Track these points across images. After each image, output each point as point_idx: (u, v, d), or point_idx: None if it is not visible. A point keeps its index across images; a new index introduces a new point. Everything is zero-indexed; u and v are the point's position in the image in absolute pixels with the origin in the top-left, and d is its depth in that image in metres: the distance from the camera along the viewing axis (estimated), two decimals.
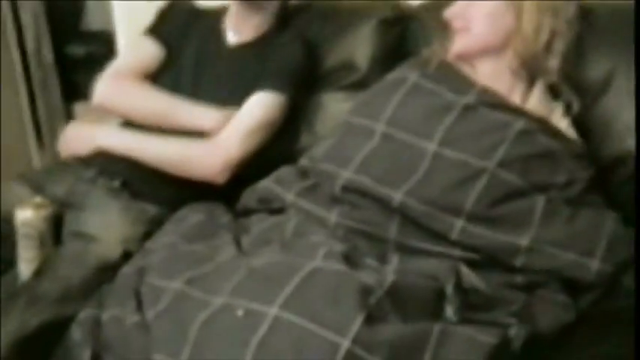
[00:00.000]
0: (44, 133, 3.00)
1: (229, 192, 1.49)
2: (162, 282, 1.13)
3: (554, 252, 1.13)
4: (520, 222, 1.14)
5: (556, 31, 1.29)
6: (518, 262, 1.13)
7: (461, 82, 1.30)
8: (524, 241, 1.13)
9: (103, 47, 3.21)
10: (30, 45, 2.92)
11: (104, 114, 1.76)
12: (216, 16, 1.73)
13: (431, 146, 1.22)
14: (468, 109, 1.25)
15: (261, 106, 1.54)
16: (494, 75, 1.32)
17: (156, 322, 1.06)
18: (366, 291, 0.99)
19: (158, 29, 1.73)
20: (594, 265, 1.11)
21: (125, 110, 1.64)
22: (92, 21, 3.40)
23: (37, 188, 1.48)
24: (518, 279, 1.12)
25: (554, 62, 1.31)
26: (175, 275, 1.13)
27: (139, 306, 1.14)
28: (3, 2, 2.79)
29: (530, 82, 1.33)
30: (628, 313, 1.08)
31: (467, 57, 1.34)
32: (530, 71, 1.33)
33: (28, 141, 2.97)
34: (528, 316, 1.07)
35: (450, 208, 1.15)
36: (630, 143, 1.27)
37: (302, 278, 1.01)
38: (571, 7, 1.32)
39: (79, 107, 3.18)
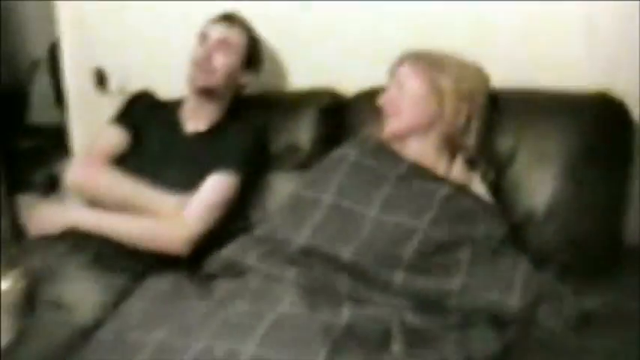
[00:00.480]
0: None
1: (191, 262, 1.63)
2: (143, 336, 1.26)
3: (480, 293, 1.31)
4: (450, 270, 1.33)
5: (472, 114, 1.54)
6: (451, 303, 1.31)
7: (394, 158, 1.52)
8: (454, 285, 1.32)
9: (49, 141, 3.33)
10: None
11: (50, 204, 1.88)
12: (174, 107, 1.90)
13: (372, 212, 1.41)
14: (400, 179, 1.46)
15: (216, 186, 1.70)
16: (421, 151, 1.54)
17: None
18: (327, 328, 1.16)
19: (123, 118, 1.89)
20: (513, 301, 1.30)
21: (95, 192, 1.76)
22: (37, 115, 3.51)
23: (12, 262, 1.58)
24: (452, 319, 1.30)
25: (471, 139, 1.55)
26: (155, 329, 1.26)
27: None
28: None
29: (452, 156, 1.56)
30: (544, 344, 1.28)
31: (398, 137, 1.56)
32: (451, 147, 1.56)
33: None
34: (463, 348, 1.24)
35: (391, 262, 1.34)
36: (535, 200, 1.50)
37: (272, 321, 1.17)
38: (483, 93, 1.57)
39: (21, 199, 3.24)
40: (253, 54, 1.88)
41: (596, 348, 1.25)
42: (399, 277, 1.33)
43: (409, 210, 1.40)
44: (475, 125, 1.55)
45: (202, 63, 1.79)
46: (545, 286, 1.35)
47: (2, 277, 1.46)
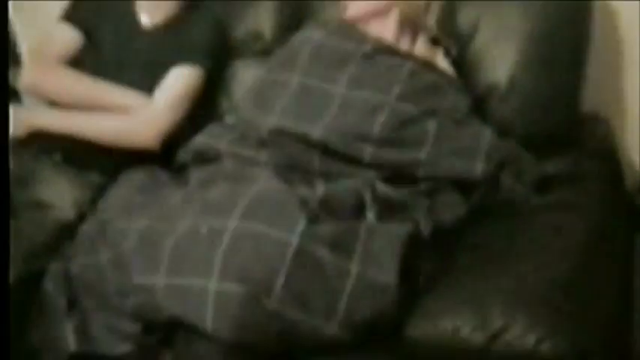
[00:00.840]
0: None
1: (163, 157, 1.65)
2: (126, 224, 1.30)
3: (447, 160, 1.37)
4: (418, 141, 1.38)
5: None
6: (421, 172, 1.36)
7: (357, 37, 1.53)
8: (422, 155, 1.37)
9: None
10: None
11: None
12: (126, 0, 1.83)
13: (339, 90, 1.44)
14: (365, 57, 1.48)
15: (181, 78, 1.68)
16: (383, 31, 1.56)
17: (129, 254, 1.23)
18: (304, 201, 1.22)
19: (73, 15, 1.81)
20: (479, 166, 1.36)
21: (53, 94, 1.73)
22: None
23: None
24: (421, 187, 1.36)
25: (432, 17, 1.57)
26: (137, 216, 1.30)
27: (108, 248, 1.30)
28: None
29: (414, 34, 1.58)
30: (508, 205, 1.37)
31: (359, 20, 1.56)
32: (413, 26, 1.58)
33: None
34: (432, 213, 1.31)
35: (360, 137, 1.38)
36: (497, 74, 1.53)
37: (251, 197, 1.22)
38: None
39: None
40: None
41: (554, 204, 1.33)
42: (368, 151, 1.37)
43: (376, 86, 1.43)
44: (435, 3, 1.56)
45: None
46: (508, 153, 1.41)
47: None
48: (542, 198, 1.37)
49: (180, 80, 1.69)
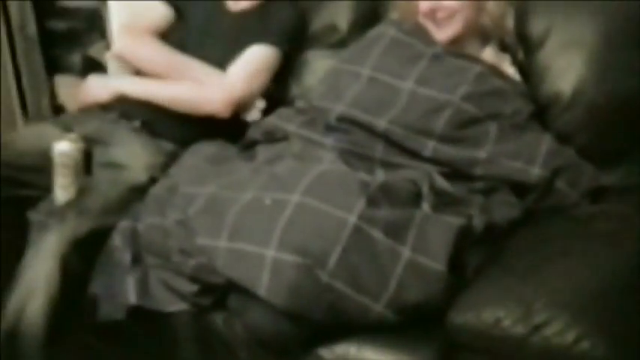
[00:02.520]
0: (28, 103, 3.16)
1: (233, 133, 1.74)
2: (194, 189, 1.39)
3: (505, 162, 1.41)
4: (478, 141, 1.43)
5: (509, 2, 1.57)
6: (478, 171, 1.41)
7: (430, 38, 1.58)
8: (482, 154, 1.42)
9: (83, 23, 3.38)
10: (15, 20, 3.07)
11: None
12: None
13: (407, 85, 1.50)
14: (435, 57, 1.54)
15: (258, 55, 1.78)
16: (456, 34, 1.60)
17: (195, 216, 1.32)
18: (364, 184, 1.28)
19: None
20: (535, 170, 1.40)
21: (142, 62, 1.84)
22: None
23: (66, 128, 1.70)
24: (478, 185, 1.41)
25: (503, 24, 1.61)
26: (205, 183, 1.38)
27: (175, 210, 1.39)
28: None
29: (483, 41, 1.63)
30: (562, 211, 1.40)
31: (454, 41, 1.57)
32: (484, 31, 1.62)
33: (14, 108, 3.12)
34: (486, 211, 1.36)
35: (423, 132, 1.44)
36: (562, 83, 1.57)
37: (315, 175, 1.29)
38: None
39: (59, 80, 3.34)
40: None
41: (608, 213, 1.36)
42: (429, 146, 1.43)
43: (443, 85, 1.49)
44: (505, 10, 1.59)
45: None
46: (566, 160, 1.45)
47: (60, 140, 1.57)
48: (596, 207, 1.40)
49: (256, 56, 1.78)
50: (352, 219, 1.21)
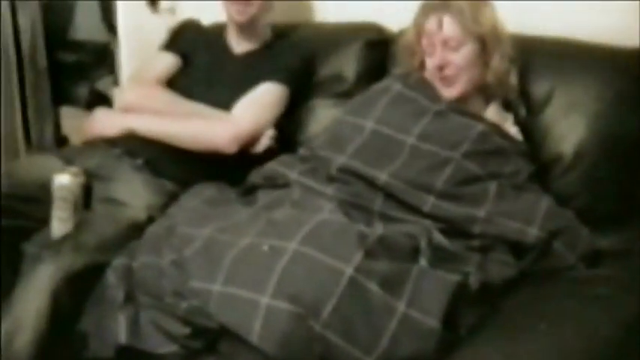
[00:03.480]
0: (32, 133, 3.18)
1: (235, 175, 1.74)
2: (192, 230, 1.39)
3: (503, 221, 1.41)
4: (478, 199, 1.44)
5: (506, 57, 1.58)
6: (476, 229, 1.41)
7: (434, 94, 1.60)
8: (481, 213, 1.42)
9: (92, 57, 3.43)
10: (25, 50, 3.11)
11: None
12: (219, 30, 2.00)
13: (410, 140, 1.51)
14: (439, 113, 1.56)
15: (265, 92, 1.80)
16: (460, 92, 1.62)
17: (191, 258, 1.31)
18: (362, 236, 1.28)
19: (173, 44, 1.99)
20: (533, 232, 1.40)
21: (148, 111, 1.84)
22: (81, 31, 3.58)
23: (68, 161, 1.71)
24: (475, 243, 1.41)
25: (511, 82, 1.62)
26: (203, 225, 1.38)
27: (172, 250, 1.38)
28: (3, 8, 2.98)
29: (488, 97, 1.65)
30: (558, 273, 1.40)
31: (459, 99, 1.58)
32: (487, 90, 1.64)
33: (18, 139, 3.14)
34: (482, 269, 1.35)
35: (424, 187, 1.44)
36: (564, 146, 1.58)
37: (314, 224, 1.29)
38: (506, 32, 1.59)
39: (65, 111, 3.37)
40: None
41: (603, 278, 1.36)
42: (429, 202, 1.43)
43: (445, 141, 1.50)
44: (509, 69, 1.60)
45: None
46: (564, 222, 1.45)
47: (61, 173, 1.58)
48: (593, 270, 1.40)
49: (263, 93, 1.81)
50: (349, 270, 1.21)
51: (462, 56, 1.54)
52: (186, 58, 1.96)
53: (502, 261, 1.39)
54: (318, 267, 1.21)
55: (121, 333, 1.38)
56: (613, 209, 1.57)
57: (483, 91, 1.63)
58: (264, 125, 1.78)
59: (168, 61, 1.95)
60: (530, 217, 1.42)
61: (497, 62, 1.57)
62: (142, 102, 1.87)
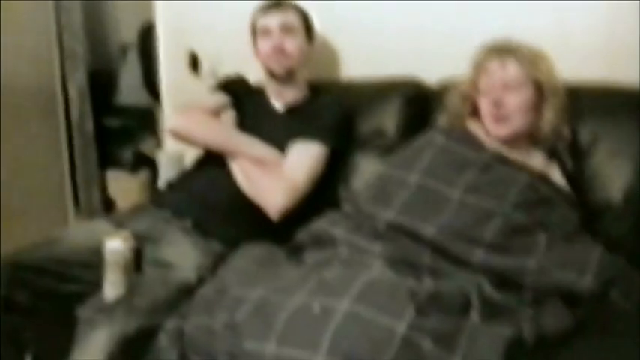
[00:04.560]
0: (81, 197, 3.26)
1: (279, 237, 1.75)
2: (243, 291, 1.40)
3: (556, 272, 1.40)
4: (528, 250, 1.42)
5: (560, 107, 1.60)
6: (527, 280, 1.40)
7: (478, 146, 1.61)
8: (532, 263, 1.41)
9: (136, 121, 3.54)
10: (74, 117, 3.22)
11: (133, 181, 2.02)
12: (260, 88, 2.03)
13: (456, 193, 1.52)
14: (484, 166, 1.56)
15: (309, 155, 1.83)
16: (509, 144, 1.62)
17: (243, 320, 1.32)
18: (413, 293, 1.28)
19: (222, 87, 2.03)
20: (587, 281, 1.38)
21: (199, 136, 1.90)
22: (125, 97, 3.71)
23: (118, 225, 1.75)
24: (527, 294, 1.39)
25: (563, 135, 1.63)
26: (254, 286, 1.39)
27: (223, 311, 1.39)
28: (55, 78, 3.10)
29: (534, 143, 1.64)
30: (617, 322, 1.36)
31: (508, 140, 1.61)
32: (533, 138, 1.63)
33: (66, 202, 3.22)
34: (536, 321, 1.33)
35: (472, 240, 1.44)
36: (612, 191, 1.57)
37: (364, 283, 1.29)
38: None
39: (110, 174, 3.46)
40: (309, 25, 2.00)
41: None
42: (478, 255, 1.43)
43: (491, 194, 1.50)
44: (563, 120, 1.62)
45: (277, 52, 1.92)
46: (619, 269, 1.42)
47: (112, 237, 1.62)
48: None
49: (310, 158, 1.83)
50: (401, 328, 1.20)
51: (519, 98, 1.57)
52: (235, 100, 1.99)
53: (556, 312, 1.37)
54: (371, 325, 1.21)
55: None
56: None
57: (531, 140, 1.63)
58: (311, 186, 1.80)
59: (219, 98, 1.98)
60: (583, 265, 1.40)
61: (551, 112, 1.58)
62: (187, 127, 1.91)
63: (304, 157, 1.82)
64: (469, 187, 1.52)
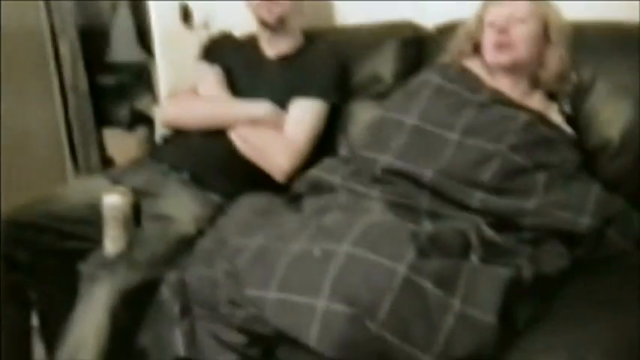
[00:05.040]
0: (79, 157, 3.25)
1: (277, 188, 1.75)
2: (243, 240, 1.40)
3: (554, 212, 1.39)
4: (527, 191, 1.42)
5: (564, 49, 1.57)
6: (526, 221, 1.39)
7: (475, 85, 1.59)
8: (530, 205, 1.40)
9: (131, 78, 3.50)
10: (67, 78, 3.19)
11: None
12: (252, 40, 2.01)
13: (454, 136, 1.50)
14: (482, 105, 1.54)
15: (311, 113, 1.81)
16: (504, 82, 1.60)
17: (244, 267, 1.32)
18: (414, 235, 1.28)
19: (207, 56, 2.01)
20: (585, 221, 1.38)
21: (190, 120, 1.89)
22: (118, 53, 3.65)
23: (116, 181, 1.75)
24: (526, 235, 1.39)
25: (554, 73, 1.60)
26: (254, 235, 1.39)
27: (224, 261, 1.40)
28: (45, 37, 3.06)
29: (533, 86, 1.61)
30: (615, 261, 1.37)
31: (509, 68, 1.57)
32: (533, 79, 1.61)
33: (64, 161, 3.21)
34: (535, 261, 1.33)
35: (471, 182, 1.43)
36: (610, 130, 1.55)
37: (364, 226, 1.29)
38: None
39: (108, 133, 3.44)
40: None
41: None
42: (477, 197, 1.42)
43: (490, 135, 1.48)
44: (565, 63, 1.59)
45: (267, 0, 1.87)
46: (617, 208, 1.42)
47: (110, 193, 1.61)
48: None
49: (312, 115, 1.82)
50: (402, 269, 1.20)
51: (525, 29, 1.54)
52: (224, 65, 1.96)
53: (554, 252, 1.37)
54: (372, 268, 1.21)
55: (178, 345, 1.39)
56: None
57: (532, 82, 1.60)
58: (314, 144, 1.79)
59: (207, 71, 1.96)
60: (581, 206, 1.39)
61: (556, 56, 1.56)
62: (177, 114, 1.91)
63: (305, 117, 1.80)
64: (467, 128, 1.50)
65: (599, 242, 1.38)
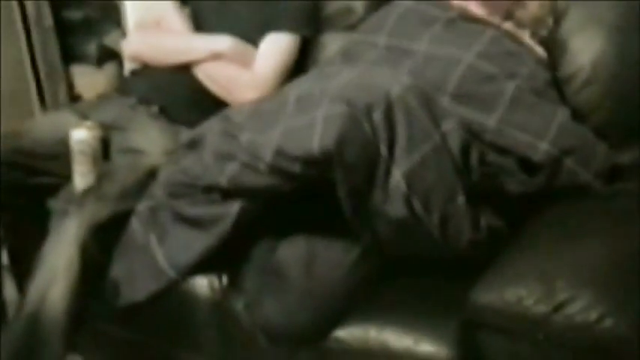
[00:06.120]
0: (46, 93, 3.18)
1: None
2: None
3: (513, 132, 1.38)
4: (491, 102, 1.40)
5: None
6: (487, 138, 1.38)
7: (445, 6, 1.58)
8: (491, 121, 1.39)
9: (98, 12, 3.39)
10: (31, 12, 3.08)
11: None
12: None
13: (422, 46, 1.49)
14: (450, 21, 1.53)
15: (281, 44, 1.77)
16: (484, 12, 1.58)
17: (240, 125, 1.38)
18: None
19: None
20: (543, 147, 1.36)
21: (154, 55, 1.84)
22: None
23: (84, 115, 1.71)
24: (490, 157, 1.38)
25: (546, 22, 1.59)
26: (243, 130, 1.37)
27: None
28: None
29: (503, 17, 1.60)
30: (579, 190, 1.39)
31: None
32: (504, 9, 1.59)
33: (31, 98, 3.14)
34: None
35: (437, 89, 1.40)
36: (581, 59, 1.54)
37: (359, 69, 1.40)
38: None
39: (75, 69, 3.36)
40: None
41: (623, 193, 1.34)
42: (444, 104, 1.38)
43: (457, 44, 1.47)
44: (545, 9, 1.58)
45: None
46: (579, 138, 1.41)
47: (78, 128, 1.58)
48: (612, 186, 1.38)
49: (280, 46, 1.77)
50: (396, 90, 1.24)
51: None
52: (188, 3, 1.92)
53: (517, 176, 1.37)
54: (370, 86, 1.25)
55: (166, 268, 1.41)
56: (633, 123, 1.53)
57: (507, 16, 1.59)
58: (283, 78, 1.76)
59: (171, 6, 1.90)
60: (543, 131, 1.38)
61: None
62: (139, 49, 1.87)
63: (274, 51, 1.77)
64: (434, 40, 1.49)
65: (557, 171, 1.37)
